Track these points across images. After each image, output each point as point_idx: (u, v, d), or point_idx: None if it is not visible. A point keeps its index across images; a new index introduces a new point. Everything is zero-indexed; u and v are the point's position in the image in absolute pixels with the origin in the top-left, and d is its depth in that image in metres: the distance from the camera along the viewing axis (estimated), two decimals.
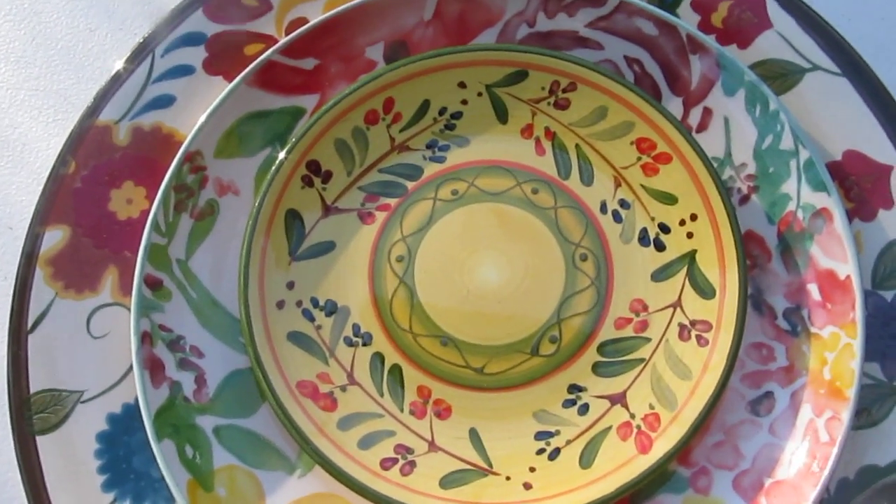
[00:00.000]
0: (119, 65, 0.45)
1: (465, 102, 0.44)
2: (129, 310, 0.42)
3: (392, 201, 0.44)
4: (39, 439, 0.40)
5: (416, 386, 0.41)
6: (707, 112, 0.44)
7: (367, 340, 0.42)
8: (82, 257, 0.43)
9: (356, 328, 0.42)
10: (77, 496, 0.40)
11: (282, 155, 0.42)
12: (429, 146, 0.44)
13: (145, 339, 0.40)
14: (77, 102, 0.50)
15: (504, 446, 0.40)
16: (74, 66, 0.51)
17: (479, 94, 0.44)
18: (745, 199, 0.43)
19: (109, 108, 0.45)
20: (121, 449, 0.41)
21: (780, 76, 0.44)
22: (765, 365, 0.41)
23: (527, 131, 0.44)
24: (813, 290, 0.42)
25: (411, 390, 0.41)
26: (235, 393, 0.41)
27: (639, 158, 0.43)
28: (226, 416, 0.41)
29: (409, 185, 0.44)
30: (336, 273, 0.43)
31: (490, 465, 0.40)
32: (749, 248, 0.42)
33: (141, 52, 0.45)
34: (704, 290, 0.42)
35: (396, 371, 0.41)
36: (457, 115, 0.44)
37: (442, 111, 0.44)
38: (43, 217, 0.43)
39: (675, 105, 0.44)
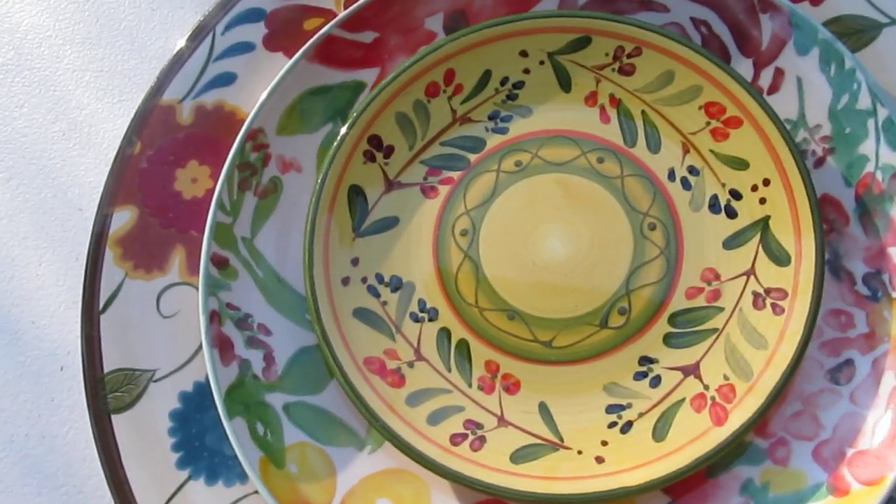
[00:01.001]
0: (181, 44, 0.45)
1: (526, 71, 0.43)
2: (196, 289, 0.42)
3: (455, 174, 0.43)
4: (115, 418, 0.41)
5: (483, 361, 0.41)
6: (779, 73, 0.42)
7: (433, 316, 0.42)
8: (150, 237, 0.43)
9: (422, 303, 0.42)
10: (152, 473, 0.41)
11: (343, 130, 0.42)
12: (491, 117, 0.44)
13: (214, 317, 0.41)
14: (141, 82, 0.50)
15: (575, 420, 0.40)
16: (137, 46, 0.51)
17: (542, 63, 0.43)
18: (820, 162, 0.42)
19: (172, 87, 0.45)
20: (193, 426, 0.41)
21: (856, 32, 0.42)
22: (844, 332, 0.40)
23: (591, 99, 0.43)
24: (894, 253, 0.40)
25: (479, 365, 0.41)
26: (304, 370, 0.42)
27: (708, 123, 0.42)
28: (295, 394, 0.41)
29: (472, 157, 0.43)
30: (400, 248, 0.42)
31: (561, 440, 0.40)
32: (825, 212, 0.41)
33: (202, 31, 0.45)
34: (779, 257, 0.40)
35: (464, 346, 0.41)
36: (519, 85, 0.44)
37: (504, 81, 0.44)
38: (111, 198, 0.44)
39: (744, 67, 0.43)
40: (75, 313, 0.46)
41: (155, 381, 0.42)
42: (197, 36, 0.45)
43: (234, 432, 0.39)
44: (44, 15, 0.52)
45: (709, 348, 0.40)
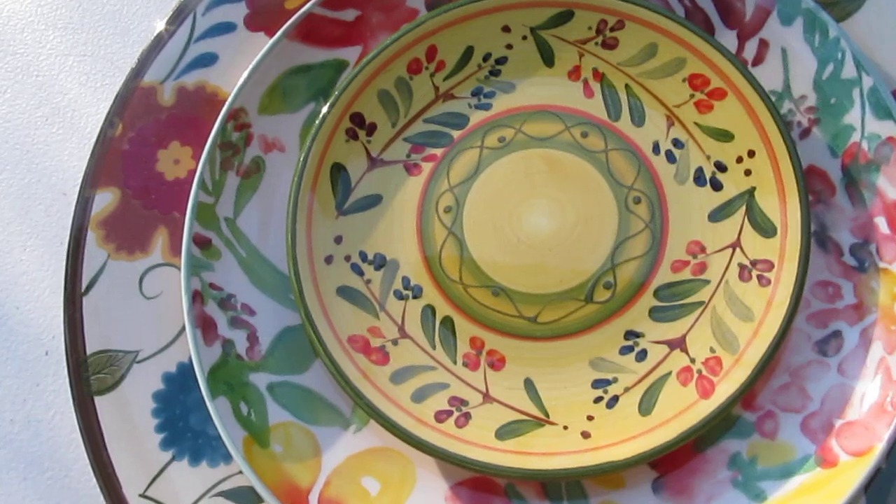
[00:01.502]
0: (161, 25, 0.45)
1: (509, 47, 0.43)
2: (180, 270, 0.42)
3: (438, 151, 0.43)
4: (98, 400, 0.41)
5: (468, 337, 0.41)
6: (763, 44, 0.42)
7: (417, 293, 0.41)
8: (132, 219, 0.43)
9: (406, 281, 0.41)
10: (136, 455, 0.40)
11: (325, 108, 0.41)
12: (474, 93, 0.43)
13: (196, 298, 0.40)
14: (124, 66, 0.50)
15: (560, 395, 0.40)
16: (121, 29, 0.51)
17: (524, 38, 0.43)
18: (805, 133, 0.41)
19: (153, 68, 0.44)
20: (177, 408, 0.41)
21: (840, 2, 0.42)
22: (831, 303, 0.40)
23: (574, 73, 0.43)
24: (881, 223, 0.40)
25: (464, 342, 0.41)
26: (288, 350, 0.41)
27: (692, 96, 0.42)
28: (279, 373, 0.41)
29: (455, 133, 0.43)
30: (384, 226, 0.42)
31: (546, 415, 0.39)
32: (811, 183, 0.41)
33: (182, 12, 0.45)
34: (765, 229, 0.40)
35: (448, 323, 0.41)
36: (501, 61, 0.43)
37: (486, 57, 0.43)
38: (93, 180, 0.43)
39: (728, 39, 0.42)
40: (60, 298, 0.45)
41: (138, 362, 0.41)
42: (177, 17, 0.45)
43: (218, 412, 0.39)
44: (25, 1, 0.51)
45: (695, 321, 0.40)
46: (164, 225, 0.43)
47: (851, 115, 0.40)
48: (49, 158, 0.49)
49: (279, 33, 0.43)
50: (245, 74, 0.42)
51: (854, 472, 0.37)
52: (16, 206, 0.48)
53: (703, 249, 0.41)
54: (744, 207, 0.41)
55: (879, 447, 0.37)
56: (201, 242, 0.41)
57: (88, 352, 0.41)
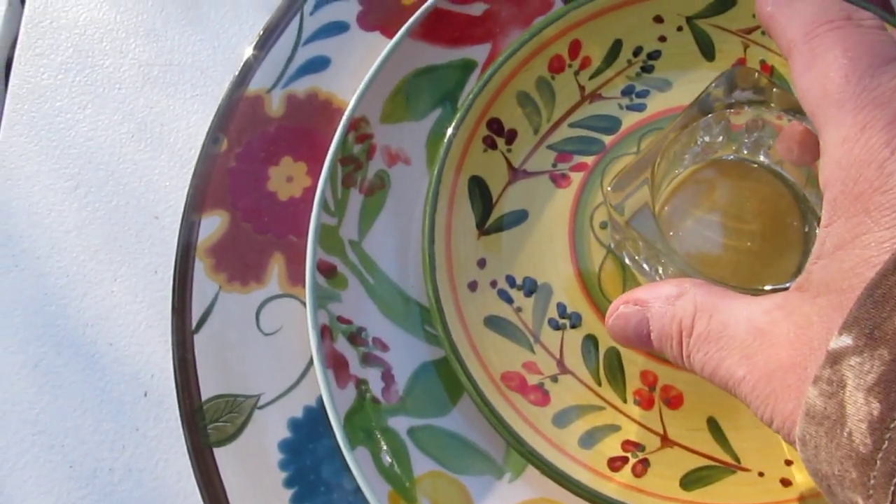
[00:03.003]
0: (261, 28, 0.40)
1: (663, 39, 0.38)
2: (299, 301, 0.38)
3: (588, 159, 0.38)
4: (217, 451, 0.36)
5: (638, 371, 0.36)
6: None
7: (575, 322, 0.36)
8: (244, 245, 0.38)
9: (561, 308, 0.36)
10: None
11: (459, 114, 0.37)
12: (625, 93, 0.38)
13: (325, 333, 0.36)
14: (215, 74, 0.45)
15: (751, 437, 0.34)
16: (209, 35, 0.46)
17: (679, 29, 0.38)
18: None
19: (259, 75, 0.40)
20: (307, 458, 0.36)
21: None
22: None
23: None
24: None
25: (633, 377, 0.36)
26: (427, 389, 0.36)
27: None
28: (420, 416, 0.36)
29: (607, 139, 0.38)
30: (532, 246, 0.37)
31: (738, 460, 0.34)
32: None
33: (287, 11, 0.40)
34: None
35: (614, 355, 0.36)
36: (655, 55, 0.38)
37: (637, 51, 0.38)
38: (197, 202, 0.39)
39: None
40: (156, 332, 0.41)
41: (260, 407, 0.37)
42: (282, 17, 0.40)
43: (358, 464, 0.34)
44: (104, 7, 0.47)
45: None
46: (280, 251, 0.38)
47: None
48: (137, 178, 0.44)
49: (401, 31, 0.38)
50: (366, 79, 0.38)
51: None
52: (103, 232, 0.43)
53: None
54: None
55: None
56: (326, 270, 0.36)
57: (204, 397, 0.36)
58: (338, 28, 0.40)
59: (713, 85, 0.33)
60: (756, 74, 0.33)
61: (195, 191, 0.39)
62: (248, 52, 0.40)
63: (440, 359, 0.36)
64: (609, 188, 0.32)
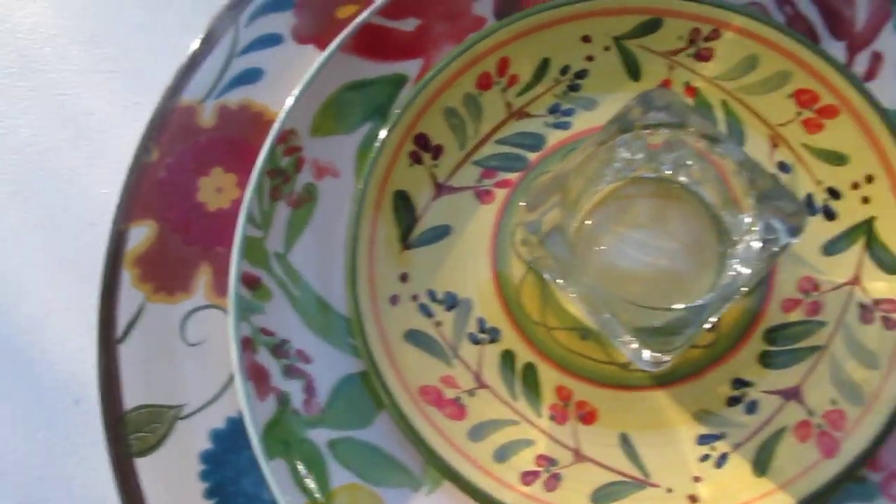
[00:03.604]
0: (198, 39, 0.40)
1: (590, 59, 0.39)
2: (225, 312, 0.38)
3: (513, 176, 0.38)
4: (139, 462, 0.36)
5: (554, 387, 0.36)
6: (876, 57, 0.38)
7: (494, 337, 0.37)
8: (172, 255, 0.39)
9: (481, 323, 0.37)
10: None
11: (385, 129, 0.37)
12: (551, 111, 0.39)
13: (246, 345, 0.36)
14: (157, 83, 0.45)
15: (661, 453, 0.35)
16: (152, 43, 0.46)
17: (607, 49, 0.39)
18: None
19: (192, 86, 0.40)
20: (228, 469, 0.37)
21: None
22: None
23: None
24: None
25: (549, 392, 0.36)
26: (349, 401, 0.37)
27: (798, 113, 0.37)
28: (340, 429, 0.36)
29: (531, 156, 0.39)
30: (454, 261, 0.38)
31: (647, 476, 0.35)
32: None
33: (223, 22, 0.41)
34: (888, 264, 0.36)
35: (531, 371, 0.36)
36: (582, 74, 0.39)
37: (564, 70, 0.39)
38: (126, 212, 0.39)
39: (836, 51, 0.38)
40: (90, 340, 0.41)
41: (182, 417, 0.37)
42: (218, 29, 0.41)
43: (274, 476, 0.35)
44: (47, 13, 0.47)
45: (811, 369, 0.35)
46: (208, 262, 0.39)
47: None
48: (75, 186, 0.44)
49: (333, 45, 0.39)
50: (296, 92, 0.38)
51: None
52: (40, 239, 0.43)
53: (816, 287, 0.36)
54: (863, 240, 0.36)
55: None
56: (250, 282, 0.37)
57: (127, 407, 0.37)
58: (272, 40, 0.41)
59: (632, 103, 0.33)
60: (672, 97, 0.33)
61: (124, 201, 0.39)
62: (182, 62, 0.41)
63: (363, 371, 0.37)
64: (522, 205, 0.33)
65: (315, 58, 0.39)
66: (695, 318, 0.32)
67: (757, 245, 0.32)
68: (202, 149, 0.40)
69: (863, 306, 0.36)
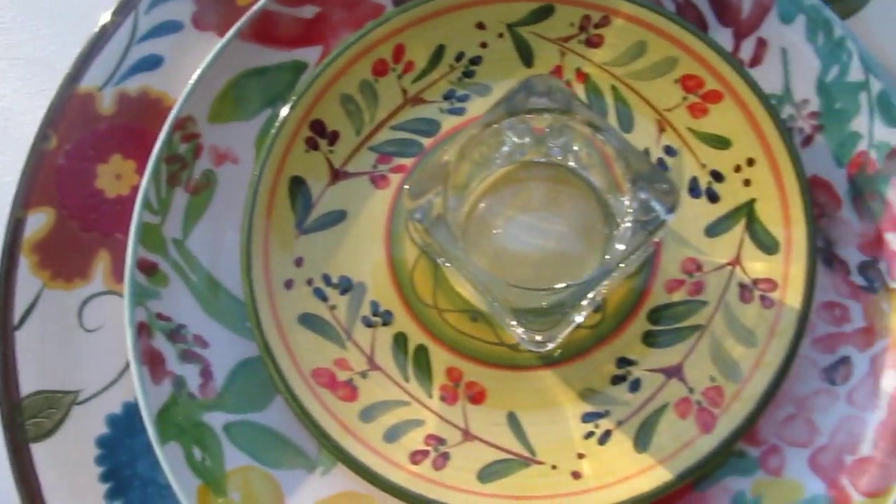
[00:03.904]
0: (99, 24, 0.40)
1: (484, 45, 0.39)
2: (123, 298, 0.38)
3: (408, 161, 0.39)
4: (34, 447, 0.37)
5: (445, 368, 0.37)
6: (761, 43, 0.38)
7: (387, 320, 0.37)
8: (70, 242, 0.39)
9: (375, 306, 0.38)
10: None
11: (282, 115, 0.38)
12: (446, 97, 0.39)
13: (142, 330, 0.36)
14: (63, 70, 0.45)
15: (547, 431, 0.36)
16: (59, 30, 0.46)
17: (500, 35, 0.39)
18: (808, 140, 0.38)
19: (91, 73, 0.40)
20: (124, 454, 0.37)
21: None
22: (839, 327, 0.37)
23: (556, 74, 0.39)
24: (891, 239, 0.37)
25: (440, 373, 0.37)
26: (246, 385, 0.37)
27: (685, 98, 0.38)
28: (236, 412, 0.37)
29: (426, 141, 0.39)
30: (349, 246, 0.38)
31: (533, 454, 0.36)
32: (815, 195, 0.37)
33: (123, 9, 0.41)
34: (767, 245, 0.37)
35: (422, 352, 0.37)
36: (476, 61, 0.39)
37: (459, 57, 0.39)
38: (25, 199, 0.39)
39: (723, 38, 0.39)
40: None
41: (79, 403, 0.37)
42: (118, 15, 0.41)
43: (168, 459, 0.35)
44: None
45: (692, 347, 0.37)
46: (106, 248, 0.39)
47: (858, 121, 0.37)
48: None
49: (231, 32, 0.39)
50: (193, 79, 0.38)
51: None
52: None
53: (699, 267, 0.37)
54: (743, 221, 0.37)
55: None
56: (147, 268, 0.37)
57: (23, 393, 0.37)
58: (172, 27, 0.41)
59: (515, 89, 0.34)
60: (552, 82, 0.34)
61: (22, 188, 0.39)
62: (82, 49, 0.41)
63: (261, 355, 0.37)
64: (406, 190, 0.33)
65: (215, 45, 0.40)
66: (578, 296, 0.33)
67: (633, 224, 0.33)
68: (101, 136, 0.40)
69: (742, 286, 0.37)
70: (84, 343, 0.38)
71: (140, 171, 0.39)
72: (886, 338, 0.36)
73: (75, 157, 0.40)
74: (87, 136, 0.40)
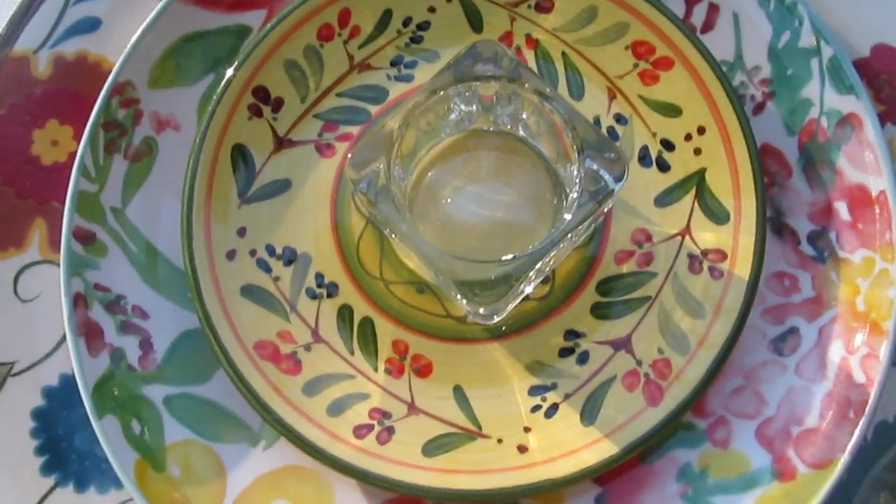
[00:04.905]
0: None
1: (432, 10, 0.38)
2: (60, 268, 0.37)
3: (354, 129, 0.38)
4: None
5: (390, 341, 0.36)
6: (713, 8, 0.38)
7: (332, 291, 0.37)
8: (4, 210, 0.38)
9: (319, 278, 0.37)
10: (13, 481, 0.36)
11: (223, 81, 0.37)
12: (393, 63, 0.38)
13: (78, 301, 0.35)
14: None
15: (494, 405, 0.36)
16: None
17: (449, 0, 0.38)
18: (759, 108, 0.37)
19: (25, 35, 0.39)
20: (60, 427, 0.36)
21: None
22: (787, 297, 0.36)
23: (505, 40, 0.38)
24: (841, 208, 0.36)
25: (385, 346, 0.36)
26: (187, 357, 0.37)
27: (635, 65, 0.38)
28: (177, 385, 0.36)
29: (373, 109, 0.38)
30: (293, 215, 0.37)
31: (479, 427, 0.35)
32: (766, 164, 0.37)
33: None
34: (716, 215, 0.36)
35: (368, 325, 0.36)
36: (424, 26, 0.39)
37: (406, 22, 0.38)
38: None
39: (675, 3, 0.38)
40: None
41: (14, 374, 0.37)
42: None
43: (105, 433, 0.34)
44: None
45: (641, 319, 0.36)
46: (42, 216, 0.38)
47: (809, 88, 0.37)
48: None
49: None
50: (132, 42, 0.37)
51: (813, 486, 0.34)
52: None
53: (649, 238, 0.37)
54: (693, 191, 0.37)
55: (841, 459, 0.33)
56: (84, 237, 0.36)
57: None
58: None
59: (460, 55, 0.33)
60: (498, 49, 0.33)
61: None
62: (15, 9, 0.39)
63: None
64: (349, 159, 0.33)
65: (154, 6, 0.38)
66: (525, 267, 0.32)
67: (581, 194, 0.32)
68: (36, 100, 0.39)
69: (691, 256, 0.36)
70: (19, 313, 0.37)
71: (77, 138, 0.38)
72: (835, 308, 0.36)
73: (10, 123, 0.38)
74: (21, 101, 0.39)
